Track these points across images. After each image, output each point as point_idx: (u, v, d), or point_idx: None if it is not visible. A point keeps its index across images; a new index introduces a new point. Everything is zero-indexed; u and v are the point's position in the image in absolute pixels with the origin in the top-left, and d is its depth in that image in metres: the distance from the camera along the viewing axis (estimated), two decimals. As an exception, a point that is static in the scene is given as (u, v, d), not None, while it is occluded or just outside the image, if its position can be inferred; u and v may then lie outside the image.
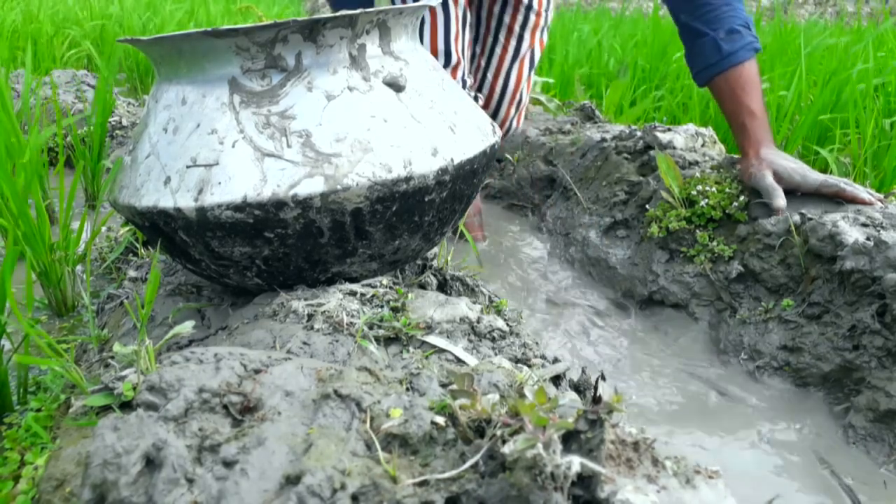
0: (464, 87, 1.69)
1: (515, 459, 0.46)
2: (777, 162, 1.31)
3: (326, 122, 0.81)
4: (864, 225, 1.18)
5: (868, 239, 1.12)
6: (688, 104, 2.58)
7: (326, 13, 0.89)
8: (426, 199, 0.86)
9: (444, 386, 0.67)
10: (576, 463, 0.45)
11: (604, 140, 1.89)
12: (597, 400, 0.51)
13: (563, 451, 0.48)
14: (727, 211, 1.37)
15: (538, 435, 0.46)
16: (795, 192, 1.31)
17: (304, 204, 0.78)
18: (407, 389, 0.64)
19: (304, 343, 0.76)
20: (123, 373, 0.64)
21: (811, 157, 2.13)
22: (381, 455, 0.52)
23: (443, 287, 1.03)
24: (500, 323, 0.86)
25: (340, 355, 0.75)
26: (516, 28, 1.80)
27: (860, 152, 1.87)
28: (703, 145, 1.71)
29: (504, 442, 0.48)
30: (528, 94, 1.91)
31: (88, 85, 2.60)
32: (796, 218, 1.26)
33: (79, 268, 1.33)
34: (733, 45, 1.38)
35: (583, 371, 0.88)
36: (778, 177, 1.31)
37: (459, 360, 0.77)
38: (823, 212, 1.25)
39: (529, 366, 0.81)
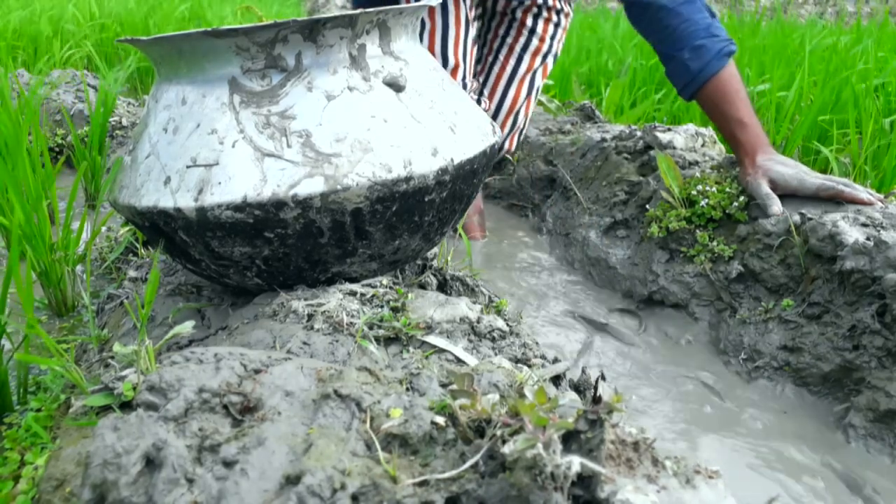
0: (464, 89, 1.69)
1: (515, 459, 0.46)
2: (773, 169, 1.31)
3: (326, 122, 0.81)
4: (864, 225, 1.18)
5: (868, 239, 1.12)
6: (688, 104, 2.58)
7: (326, 13, 0.89)
8: (426, 199, 0.86)
9: (444, 386, 0.67)
10: (576, 463, 0.45)
11: (604, 140, 1.89)
12: (597, 400, 0.51)
13: (563, 451, 0.48)
14: (727, 211, 1.37)
15: (538, 435, 0.46)
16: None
17: (304, 204, 0.78)
18: (407, 389, 0.64)
19: (304, 343, 0.76)
20: (123, 373, 0.64)
21: (811, 157, 2.13)
22: (381, 455, 0.52)
23: (443, 287, 1.03)
24: (500, 323, 0.86)
25: (340, 355, 0.75)
26: (517, 48, 1.80)
27: (860, 152, 1.87)
28: (703, 145, 1.71)
29: (504, 442, 0.48)
30: (527, 120, 1.90)
31: (88, 85, 2.60)
32: (796, 218, 1.26)
33: (79, 268, 1.33)
34: (701, 62, 1.38)
35: (583, 371, 0.88)
36: (774, 184, 1.31)
37: (459, 360, 0.77)
38: (823, 212, 1.25)
39: (529, 366, 0.81)
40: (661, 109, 2.71)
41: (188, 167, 0.81)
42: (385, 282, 0.92)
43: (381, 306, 0.85)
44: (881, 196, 1.29)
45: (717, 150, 1.70)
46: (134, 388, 0.62)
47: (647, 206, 1.56)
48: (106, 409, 0.63)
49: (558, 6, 1.81)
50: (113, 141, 2.28)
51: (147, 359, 0.65)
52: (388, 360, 0.76)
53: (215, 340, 0.86)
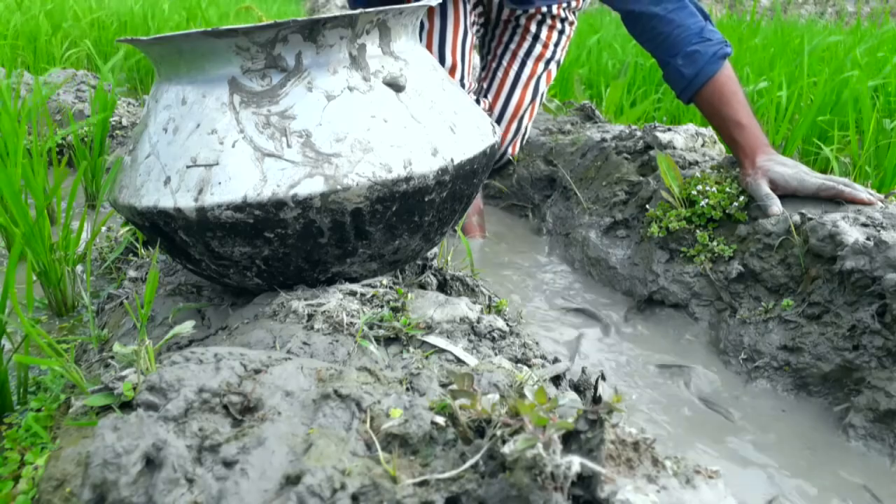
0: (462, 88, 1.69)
1: (515, 459, 0.46)
2: (773, 169, 1.31)
3: (326, 122, 0.81)
4: (864, 225, 1.18)
5: (868, 239, 1.12)
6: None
7: (326, 13, 0.89)
8: (426, 199, 0.86)
9: (444, 386, 0.67)
10: (576, 463, 0.45)
11: (604, 140, 1.89)
12: (597, 400, 0.51)
13: (563, 451, 0.48)
14: (727, 211, 1.37)
15: (538, 435, 0.46)
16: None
17: (304, 204, 0.78)
18: (407, 389, 0.64)
19: (304, 343, 0.76)
20: (123, 373, 0.64)
21: (811, 157, 2.13)
22: (381, 455, 0.52)
23: (443, 287, 1.03)
24: (500, 323, 0.86)
25: (340, 355, 0.75)
26: (520, 54, 1.81)
27: (860, 151, 1.87)
28: (703, 145, 1.71)
29: (504, 442, 0.48)
30: (530, 125, 1.91)
31: (88, 85, 2.60)
32: (796, 218, 1.26)
33: (79, 268, 1.33)
34: (695, 67, 1.38)
35: (583, 371, 0.88)
36: (774, 184, 1.31)
37: (459, 360, 0.77)
38: (823, 212, 1.25)
39: (529, 366, 0.81)
40: (660, 109, 2.71)
41: (188, 167, 0.81)
42: (385, 282, 0.92)
43: (381, 306, 0.85)
44: (881, 196, 1.29)
45: (717, 150, 1.70)
46: (134, 388, 0.62)
47: (647, 206, 1.56)
48: (106, 410, 0.63)
49: (563, 15, 1.81)
50: (113, 141, 2.28)
51: (147, 359, 0.65)
52: (388, 360, 0.76)
53: (215, 340, 0.86)
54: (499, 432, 0.49)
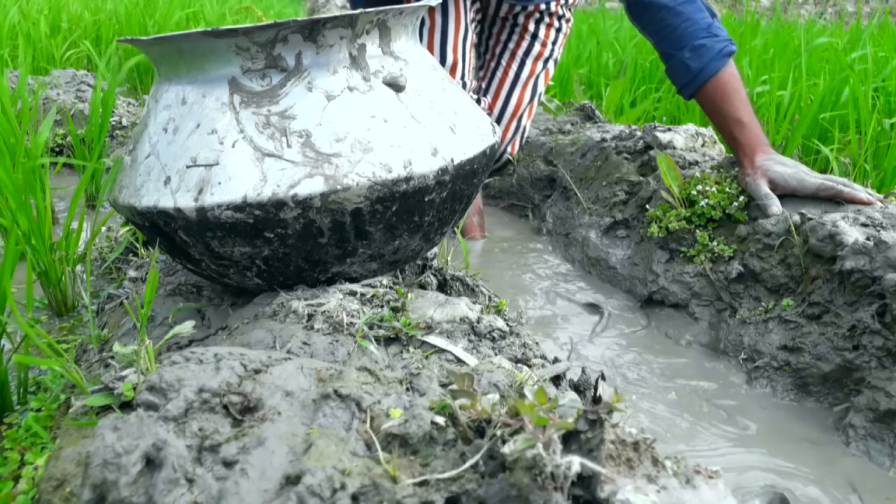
0: (463, 88, 1.69)
1: (515, 459, 0.46)
2: (772, 169, 1.31)
3: (326, 122, 0.81)
4: (864, 225, 1.18)
5: (868, 239, 1.12)
6: (688, 104, 2.58)
7: (326, 13, 0.89)
8: (426, 199, 0.86)
9: (444, 386, 0.67)
10: (576, 463, 0.45)
11: (604, 140, 1.89)
12: (597, 400, 0.51)
13: (563, 451, 0.48)
14: (727, 211, 1.37)
15: (538, 435, 0.46)
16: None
17: (304, 204, 0.78)
18: (407, 389, 0.64)
19: (304, 343, 0.76)
20: (123, 373, 0.64)
21: (811, 156, 2.13)
22: (381, 455, 0.52)
23: (443, 287, 1.03)
24: (500, 323, 0.86)
25: (340, 355, 0.75)
26: (519, 53, 1.81)
27: (860, 151, 1.87)
28: (703, 145, 1.71)
29: (504, 442, 0.48)
30: (528, 124, 1.91)
31: (88, 85, 2.60)
32: (796, 218, 1.26)
33: (79, 268, 1.33)
34: (701, 61, 1.38)
35: (583, 371, 0.88)
36: (773, 184, 1.31)
37: (459, 360, 0.77)
38: (823, 212, 1.25)
39: (529, 366, 0.81)
40: (660, 109, 2.71)
41: (188, 167, 0.81)
42: (385, 282, 0.92)
43: (381, 306, 0.85)
44: (881, 196, 1.29)
45: (717, 150, 1.70)
46: (134, 388, 0.62)
47: (647, 206, 1.56)
48: (106, 409, 0.63)
49: (560, 12, 1.81)
50: (113, 141, 2.28)
51: (147, 359, 0.65)
52: (388, 360, 0.76)
53: (215, 340, 0.86)
54: (499, 432, 0.49)
